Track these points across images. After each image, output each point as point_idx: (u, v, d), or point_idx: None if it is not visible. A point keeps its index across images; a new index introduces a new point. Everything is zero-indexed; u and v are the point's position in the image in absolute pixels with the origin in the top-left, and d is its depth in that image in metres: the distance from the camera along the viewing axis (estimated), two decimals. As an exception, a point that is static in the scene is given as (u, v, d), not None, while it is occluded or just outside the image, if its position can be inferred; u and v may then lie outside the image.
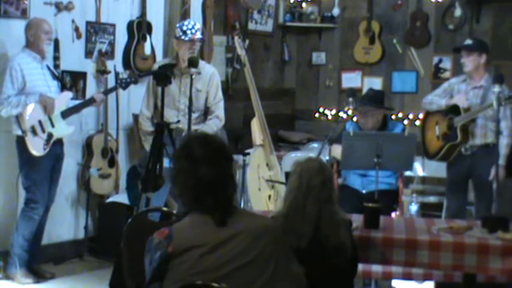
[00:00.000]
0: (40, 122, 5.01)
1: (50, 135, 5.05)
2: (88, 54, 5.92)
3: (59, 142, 5.22)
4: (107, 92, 5.47)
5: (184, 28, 5.19)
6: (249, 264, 2.39)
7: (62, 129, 5.17)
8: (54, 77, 5.25)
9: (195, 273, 2.36)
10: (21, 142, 5.01)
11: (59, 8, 5.65)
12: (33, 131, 4.97)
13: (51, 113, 5.05)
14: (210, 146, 2.49)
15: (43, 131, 5.02)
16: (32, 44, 5.07)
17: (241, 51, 6.08)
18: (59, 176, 5.28)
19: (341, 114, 7.35)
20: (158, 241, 2.43)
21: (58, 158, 5.23)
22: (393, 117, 6.90)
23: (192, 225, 2.47)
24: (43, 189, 5.11)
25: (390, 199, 5.08)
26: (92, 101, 5.29)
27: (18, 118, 4.95)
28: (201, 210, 2.46)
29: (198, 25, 5.29)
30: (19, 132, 4.98)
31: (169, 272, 2.40)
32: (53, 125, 5.07)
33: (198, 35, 5.19)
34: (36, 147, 4.99)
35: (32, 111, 4.95)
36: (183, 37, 5.17)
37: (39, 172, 5.07)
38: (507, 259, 3.47)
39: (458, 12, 6.92)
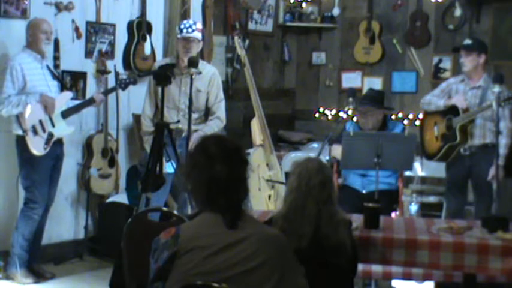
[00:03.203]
0: (41, 122, 5.02)
1: (50, 135, 5.06)
2: (88, 54, 5.92)
3: (59, 142, 5.22)
4: (106, 92, 5.48)
5: (182, 26, 5.22)
6: (254, 270, 2.37)
7: (62, 129, 5.18)
8: (54, 77, 5.25)
9: (199, 273, 2.35)
10: (21, 142, 5.01)
11: (59, 8, 5.65)
12: (34, 131, 4.98)
13: (52, 112, 5.06)
14: (226, 146, 2.52)
15: (44, 130, 5.03)
16: (31, 43, 5.08)
17: (241, 51, 6.07)
18: (58, 176, 5.29)
19: (341, 114, 7.35)
20: (165, 240, 2.42)
21: (58, 158, 5.24)
22: (393, 117, 6.90)
23: (201, 225, 2.45)
24: (42, 189, 5.11)
25: (390, 199, 5.08)
26: (91, 101, 5.31)
27: (19, 117, 4.96)
28: (213, 209, 2.45)
29: (199, 25, 5.28)
30: (19, 132, 4.99)
31: (173, 271, 2.39)
32: (53, 125, 5.08)
33: (195, 34, 5.17)
34: (37, 147, 5.00)
35: (32, 111, 4.96)
36: (178, 35, 5.21)
37: (38, 172, 5.07)
38: (507, 259, 3.47)
39: (458, 12, 6.92)
